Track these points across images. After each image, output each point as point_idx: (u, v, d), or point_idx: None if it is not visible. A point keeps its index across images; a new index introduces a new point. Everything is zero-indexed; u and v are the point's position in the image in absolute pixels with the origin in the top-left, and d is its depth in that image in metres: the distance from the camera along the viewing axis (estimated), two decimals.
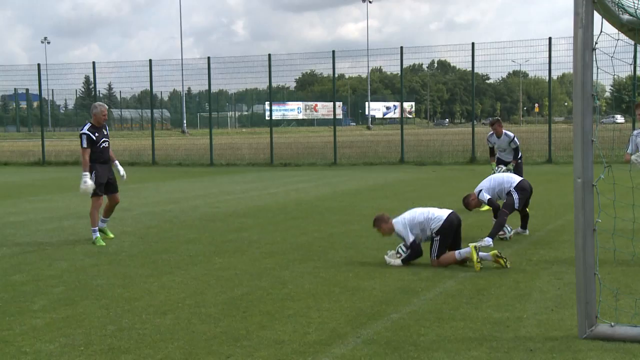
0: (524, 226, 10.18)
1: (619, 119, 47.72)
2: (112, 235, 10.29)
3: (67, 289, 7.17)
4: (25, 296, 6.88)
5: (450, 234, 8.06)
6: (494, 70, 56.92)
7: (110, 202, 10.25)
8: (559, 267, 7.86)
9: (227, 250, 9.22)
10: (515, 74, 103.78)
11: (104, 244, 9.78)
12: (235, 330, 5.65)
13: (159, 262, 8.50)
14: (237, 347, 5.25)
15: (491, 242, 8.94)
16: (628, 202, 6.30)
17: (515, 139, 12.85)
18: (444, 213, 8.18)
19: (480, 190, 9.93)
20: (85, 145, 9.88)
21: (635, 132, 9.62)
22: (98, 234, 9.98)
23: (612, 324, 5.34)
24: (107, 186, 10.11)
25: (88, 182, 9.82)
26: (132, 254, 9.07)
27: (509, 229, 9.74)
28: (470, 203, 10.02)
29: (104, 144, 10.01)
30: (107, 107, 10.24)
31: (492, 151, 13.51)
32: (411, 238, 8.10)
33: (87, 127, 9.99)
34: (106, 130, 10.16)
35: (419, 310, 6.18)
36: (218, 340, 5.41)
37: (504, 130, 13.02)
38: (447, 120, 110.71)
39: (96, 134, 9.92)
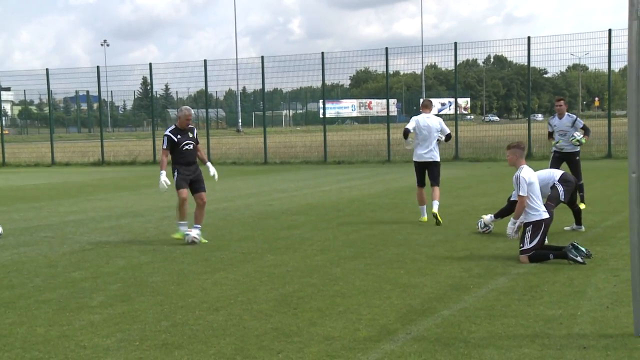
0: (578, 222, 10.02)
1: None
2: (205, 241, 9.92)
3: (124, 285, 7.35)
4: (84, 292, 7.08)
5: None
6: (552, 64, 55.95)
7: (197, 203, 10.17)
8: (615, 264, 7.71)
9: (279, 248, 9.31)
10: (575, 67, 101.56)
11: (180, 237, 9.94)
12: (286, 327, 5.71)
13: (213, 260, 8.64)
14: (288, 343, 5.30)
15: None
16: None
17: (579, 119, 12.42)
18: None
19: None
20: (165, 146, 10.12)
21: None
22: (182, 229, 10.05)
23: None
24: (192, 184, 10.14)
25: (162, 178, 10.06)
26: (187, 252, 9.23)
27: (491, 226, 9.98)
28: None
29: (187, 147, 10.11)
30: (192, 111, 10.30)
31: (550, 135, 12.81)
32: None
33: (170, 129, 10.22)
34: (193, 133, 10.25)
35: (470, 307, 6.14)
36: (269, 336, 5.48)
37: (566, 113, 12.43)
38: (492, 116, 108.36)
39: (179, 136, 10.08)
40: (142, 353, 5.15)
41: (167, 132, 10.17)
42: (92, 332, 5.69)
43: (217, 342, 5.36)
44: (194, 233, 9.80)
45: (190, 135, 10.22)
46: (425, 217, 11.37)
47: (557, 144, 12.46)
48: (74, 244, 10.13)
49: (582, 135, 12.12)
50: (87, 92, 63.30)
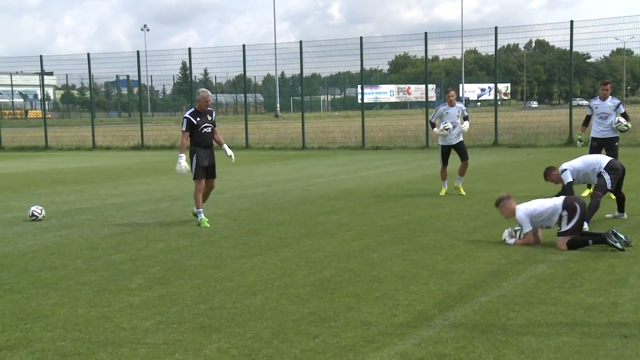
0: (621, 209, 9.84)
1: None
2: (207, 225, 10.08)
3: (163, 268, 7.44)
4: (123, 275, 7.18)
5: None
6: (596, 48, 54.81)
7: (206, 186, 10.46)
8: None
9: (317, 233, 9.32)
10: (619, 52, 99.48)
11: (208, 225, 10.03)
12: (323, 311, 5.72)
13: (250, 244, 8.69)
14: (325, 327, 5.31)
15: (586, 226, 8.66)
16: None
17: (622, 104, 12.09)
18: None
19: (565, 170, 9.66)
20: (184, 128, 10.21)
21: None
22: (202, 216, 10.22)
23: None
24: (206, 170, 10.32)
25: (182, 163, 10.16)
26: (225, 236, 9.30)
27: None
28: (551, 176, 9.81)
29: (206, 129, 10.23)
30: (209, 93, 10.43)
31: (587, 120, 12.52)
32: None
33: (190, 111, 10.35)
34: (211, 115, 10.38)
35: (509, 294, 6.08)
36: (306, 320, 5.50)
37: (610, 96, 12.05)
38: (534, 102, 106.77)
39: (198, 119, 10.19)
40: (180, 335, 5.21)
41: (186, 115, 10.30)
42: (132, 314, 5.77)
43: (254, 325, 5.40)
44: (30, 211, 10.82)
45: (209, 118, 10.33)
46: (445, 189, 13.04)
47: (579, 138, 12.52)
48: (114, 226, 10.28)
49: (626, 121, 11.84)
50: (128, 76, 64.06)
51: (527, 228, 8.11)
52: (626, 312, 5.49)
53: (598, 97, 12.17)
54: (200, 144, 10.24)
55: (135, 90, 60.93)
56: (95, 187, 15.81)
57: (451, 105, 12.99)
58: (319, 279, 6.80)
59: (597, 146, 11.95)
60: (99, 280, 6.97)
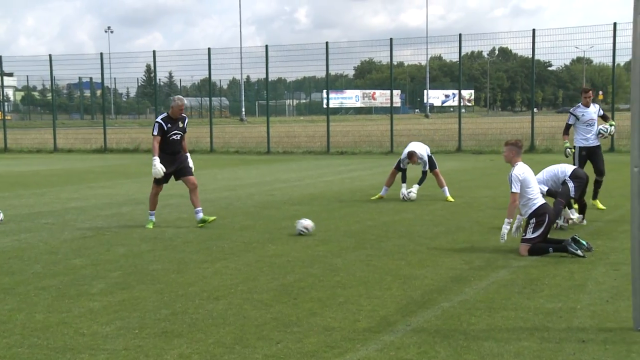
0: (581, 213, 10.00)
1: None
2: (213, 218, 10.38)
3: (124, 273, 7.35)
4: (84, 279, 7.08)
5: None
6: (557, 57, 55.69)
7: (189, 187, 10.40)
8: (616, 258, 7.70)
9: (281, 238, 9.31)
10: (579, 60, 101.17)
11: (151, 227, 10.20)
12: (286, 317, 5.71)
13: (214, 249, 8.64)
14: (287, 333, 5.30)
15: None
16: None
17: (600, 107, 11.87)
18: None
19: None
20: (155, 132, 10.22)
21: None
22: (152, 218, 10.39)
23: None
24: (178, 172, 10.38)
25: (157, 165, 10.16)
26: (188, 240, 9.23)
27: (575, 215, 9.67)
28: None
29: (174, 136, 10.25)
30: (185, 101, 10.46)
31: (567, 129, 11.87)
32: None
33: (162, 116, 10.36)
34: (183, 122, 10.38)
35: (471, 300, 6.13)
36: (269, 326, 5.48)
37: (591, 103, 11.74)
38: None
39: (169, 125, 10.20)
40: (141, 341, 5.15)
41: (158, 119, 10.31)
42: (92, 320, 5.69)
43: (217, 331, 5.37)
44: (301, 226, 9.50)
45: (180, 125, 10.36)
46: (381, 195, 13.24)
47: (568, 147, 11.70)
48: (75, 231, 10.14)
49: (608, 125, 11.54)
50: (91, 78, 63.19)
51: (514, 189, 8.12)
52: (584, 317, 5.58)
53: (580, 105, 11.68)
54: (166, 151, 10.24)
55: (99, 92, 60.31)
56: (56, 191, 15.59)
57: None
58: (282, 284, 6.78)
59: (586, 155, 11.59)
60: (58, 285, 6.86)
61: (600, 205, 11.37)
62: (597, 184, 11.53)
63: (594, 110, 11.66)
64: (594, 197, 11.46)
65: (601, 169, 11.50)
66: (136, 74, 61.73)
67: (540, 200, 8.26)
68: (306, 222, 9.50)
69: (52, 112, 40.09)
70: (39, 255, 8.37)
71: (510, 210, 8.18)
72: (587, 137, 11.63)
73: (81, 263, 7.89)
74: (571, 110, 11.79)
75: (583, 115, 11.54)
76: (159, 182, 10.37)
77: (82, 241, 9.27)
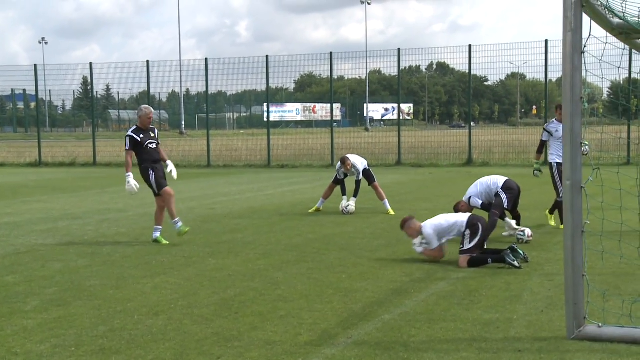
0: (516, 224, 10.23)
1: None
2: (187, 228, 10.17)
3: (60, 289, 7.19)
4: (17, 297, 6.89)
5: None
6: (493, 72, 56.94)
7: (164, 197, 10.18)
8: (550, 269, 7.90)
9: (221, 252, 9.25)
10: (514, 76, 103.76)
11: (167, 242, 9.94)
12: (227, 331, 5.67)
13: (153, 263, 8.52)
14: (228, 347, 5.27)
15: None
16: (617, 204, 6.31)
17: None
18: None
19: (470, 197, 10.07)
20: (128, 147, 10.06)
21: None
22: (158, 234, 10.06)
23: (600, 324, 5.37)
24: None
25: (131, 182, 10.01)
26: (126, 255, 9.09)
27: (527, 232, 9.63)
28: (461, 210, 10.08)
29: (151, 145, 10.07)
30: (152, 110, 10.28)
31: (541, 146, 11.41)
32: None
33: (132, 129, 10.16)
34: (154, 132, 10.22)
35: (411, 312, 6.20)
36: (209, 341, 5.43)
37: None
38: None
39: (141, 136, 10.02)
40: (78, 359, 5.04)
41: (129, 133, 10.13)
42: (25, 338, 5.54)
43: (156, 347, 5.29)
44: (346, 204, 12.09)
45: (152, 135, 10.18)
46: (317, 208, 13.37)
47: (537, 168, 11.30)
48: (7, 247, 9.86)
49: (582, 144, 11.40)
50: (24, 90, 61.64)
51: (434, 244, 8.31)
52: (520, 328, 5.70)
53: (554, 120, 11.01)
54: (148, 161, 10.05)
55: (33, 105, 58.85)
56: None
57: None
58: (223, 299, 6.74)
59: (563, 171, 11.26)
60: None
61: (552, 222, 11.18)
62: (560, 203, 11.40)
63: None
64: (551, 211, 11.20)
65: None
66: (72, 86, 60.51)
67: (464, 216, 8.43)
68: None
69: None
70: None
71: (432, 255, 8.38)
72: (561, 155, 11.38)
73: (14, 280, 7.68)
74: (545, 126, 11.34)
75: (557, 131, 10.78)
76: (164, 185, 10.09)
77: (16, 257, 9.03)
